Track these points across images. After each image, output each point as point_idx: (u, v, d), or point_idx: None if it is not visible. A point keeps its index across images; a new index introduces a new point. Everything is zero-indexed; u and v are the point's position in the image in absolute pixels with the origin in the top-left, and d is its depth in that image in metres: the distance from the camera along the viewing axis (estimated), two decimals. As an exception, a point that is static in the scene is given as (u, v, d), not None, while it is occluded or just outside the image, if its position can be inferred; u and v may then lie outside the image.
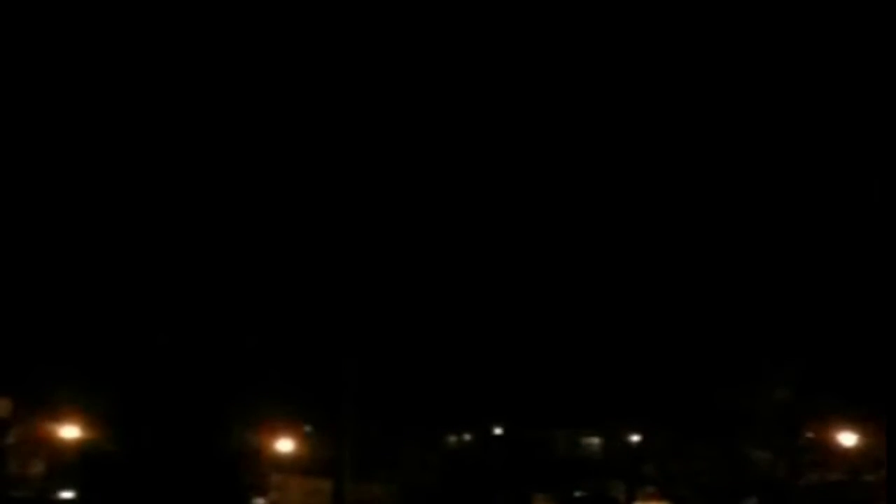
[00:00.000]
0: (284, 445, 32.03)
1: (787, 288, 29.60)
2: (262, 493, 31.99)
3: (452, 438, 37.48)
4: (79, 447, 30.04)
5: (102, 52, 25.32)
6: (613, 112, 28.48)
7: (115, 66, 25.63)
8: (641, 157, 29.43)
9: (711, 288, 30.73)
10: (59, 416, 29.69)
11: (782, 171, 28.39)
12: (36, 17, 24.56)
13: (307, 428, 33.61)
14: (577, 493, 34.60)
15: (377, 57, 27.24)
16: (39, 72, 25.18)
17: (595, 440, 37.04)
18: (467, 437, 37.48)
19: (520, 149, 29.56)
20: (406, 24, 25.80)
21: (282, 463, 32.23)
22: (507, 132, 29.21)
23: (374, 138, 28.80)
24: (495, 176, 30.07)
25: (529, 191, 30.70)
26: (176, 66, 26.06)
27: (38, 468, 30.52)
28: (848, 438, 29.86)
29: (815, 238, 28.64)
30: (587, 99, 27.85)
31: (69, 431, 29.79)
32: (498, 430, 36.53)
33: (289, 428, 32.13)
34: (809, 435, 31.08)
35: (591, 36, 26.13)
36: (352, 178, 29.40)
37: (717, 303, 30.59)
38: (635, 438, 34.59)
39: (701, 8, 24.79)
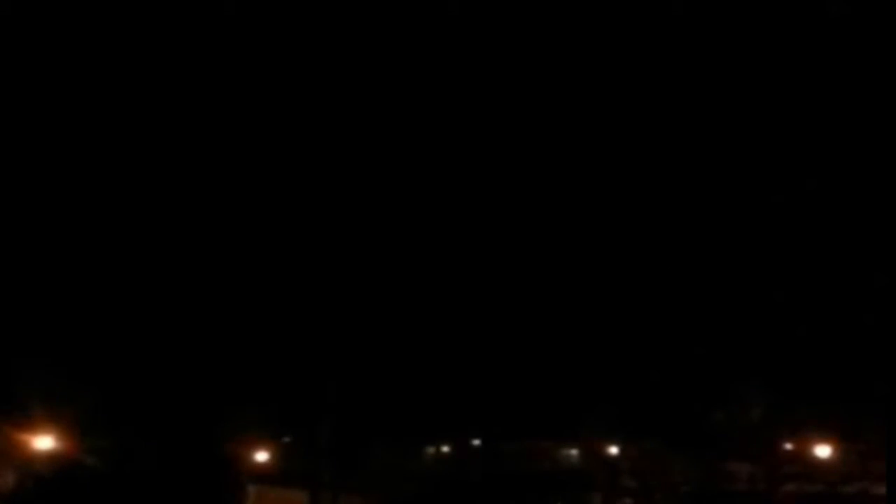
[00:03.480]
0: (262, 457, 31.65)
1: (766, 305, 30.07)
2: (240, 504, 31.55)
3: (431, 450, 37.39)
4: (52, 458, 29.23)
5: (102, 52, 24.90)
6: (592, 119, 28.61)
7: (115, 66, 25.22)
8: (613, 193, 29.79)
9: (689, 302, 31.10)
10: (32, 425, 28.87)
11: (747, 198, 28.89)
12: (36, 17, 24.11)
13: (286, 439, 33.30)
14: (556, 505, 34.73)
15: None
16: (39, 72, 24.68)
17: (573, 452, 37.16)
18: (446, 448, 37.41)
19: (484, 171, 29.70)
20: (405, 23, 25.72)
21: (260, 474, 31.82)
22: (475, 154, 29.30)
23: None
24: (466, 191, 30.16)
25: (504, 205, 30.84)
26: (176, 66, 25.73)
27: (9, 480, 29.62)
28: (823, 451, 30.39)
29: (791, 264, 29.19)
30: (580, 99, 27.93)
31: (42, 442, 28.96)
32: (476, 442, 36.50)
33: (267, 439, 31.76)
34: (787, 447, 31.57)
35: (590, 36, 26.20)
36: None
37: (694, 318, 30.96)
38: (613, 450, 34.74)
39: (700, 8, 25.00)
